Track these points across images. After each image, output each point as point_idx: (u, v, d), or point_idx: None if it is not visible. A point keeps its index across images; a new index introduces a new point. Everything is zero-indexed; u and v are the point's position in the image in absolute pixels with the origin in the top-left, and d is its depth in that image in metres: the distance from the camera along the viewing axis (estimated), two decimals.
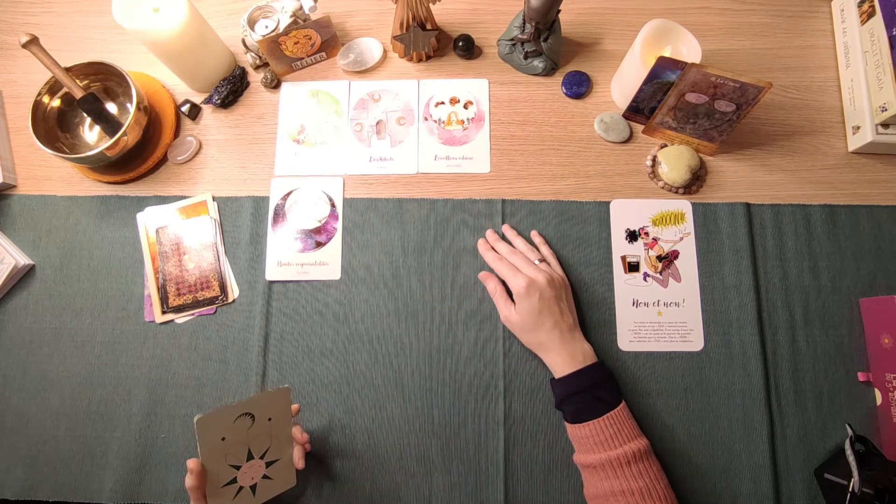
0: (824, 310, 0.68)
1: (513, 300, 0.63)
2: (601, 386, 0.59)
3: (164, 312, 0.69)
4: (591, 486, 0.57)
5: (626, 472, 0.54)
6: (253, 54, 0.77)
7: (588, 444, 0.57)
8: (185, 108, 0.76)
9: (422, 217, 0.72)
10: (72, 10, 0.82)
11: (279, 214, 0.73)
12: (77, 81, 0.69)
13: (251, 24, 0.76)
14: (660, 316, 0.68)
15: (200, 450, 0.51)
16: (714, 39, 0.78)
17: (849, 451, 0.60)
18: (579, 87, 0.76)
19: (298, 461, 0.57)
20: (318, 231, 0.72)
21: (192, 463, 0.51)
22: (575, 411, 0.58)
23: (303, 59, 0.77)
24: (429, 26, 0.74)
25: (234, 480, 0.54)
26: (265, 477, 0.56)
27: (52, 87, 0.71)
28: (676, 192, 0.72)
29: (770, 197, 0.72)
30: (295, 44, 0.74)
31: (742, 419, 0.65)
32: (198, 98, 0.77)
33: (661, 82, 0.67)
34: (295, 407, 0.60)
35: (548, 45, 0.73)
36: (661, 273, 0.69)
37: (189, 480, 0.51)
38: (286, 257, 0.71)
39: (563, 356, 0.60)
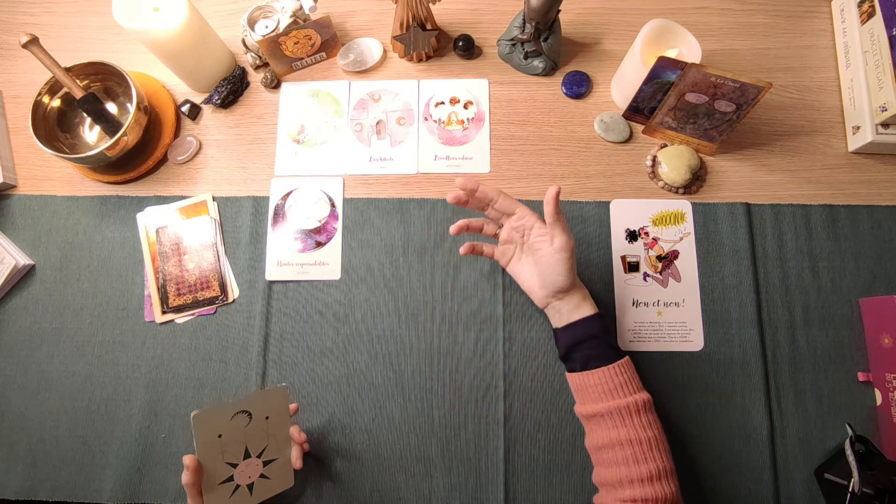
0: (824, 310, 0.68)
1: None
2: (611, 334, 0.57)
3: (164, 312, 0.69)
4: (597, 435, 0.55)
5: (636, 422, 0.53)
6: (253, 54, 0.77)
7: (596, 392, 0.55)
8: (185, 108, 0.76)
9: (422, 217, 0.72)
10: (72, 10, 0.82)
11: (279, 214, 0.73)
12: (77, 81, 0.69)
13: (251, 24, 0.76)
14: (660, 316, 0.68)
15: (196, 446, 0.51)
16: (714, 39, 0.78)
17: (849, 451, 0.60)
18: (579, 87, 0.76)
19: (296, 461, 0.57)
20: (318, 231, 0.72)
21: (188, 459, 0.51)
22: (586, 357, 0.56)
23: (303, 59, 0.77)
24: (429, 26, 0.74)
25: (231, 479, 0.54)
26: (263, 476, 0.56)
27: (52, 87, 0.71)
28: (676, 192, 0.72)
29: (770, 197, 0.72)
30: (295, 44, 0.74)
31: (742, 419, 0.65)
32: (198, 98, 0.78)
33: (661, 82, 0.67)
34: (293, 406, 0.60)
35: (548, 45, 0.73)
36: (661, 273, 0.69)
37: (185, 476, 0.51)
38: (286, 257, 0.71)
39: (589, 297, 0.58)
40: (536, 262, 0.59)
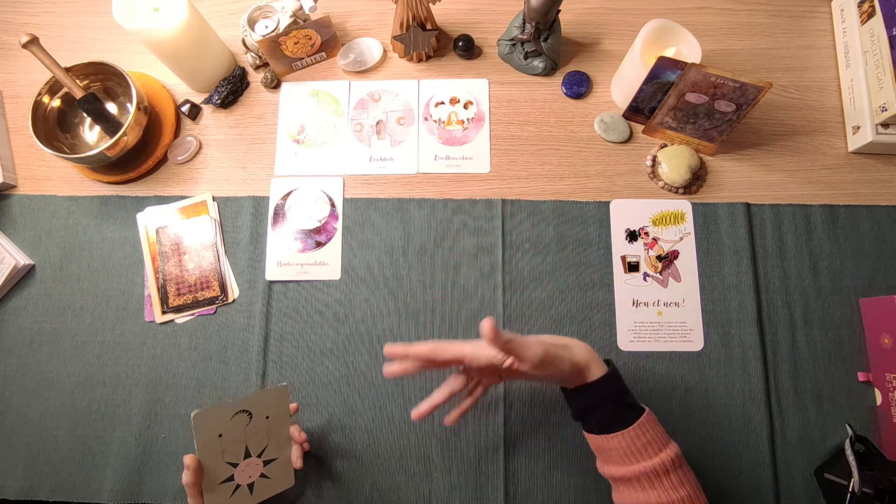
0: (824, 310, 0.68)
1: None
2: (626, 391, 0.52)
3: (164, 312, 0.69)
4: (625, 496, 0.51)
5: (666, 483, 0.49)
6: (253, 54, 0.77)
7: (618, 455, 0.50)
8: (185, 108, 0.76)
9: (422, 217, 0.72)
10: (72, 10, 0.82)
11: (279, 214, 0.73)
12: (77, 81, 0.69)
13: (251, 24, 0.76)
14: (660, 316, 0.68)
15: (197, 445, 0.51)
16: (714, 39, 0.78)
17: (849, 451, 0.60)
18: (579, 87, 0.76)
19: (297, 461, 0.57)
20: (318, 231, 0.72)
21: (188, 458, 0.51)
22: (602, 422, 0.51)
23: (303, 59, 0.77)
24: (429, 26, 0.74)
25: (232, 478, 0.54)
26: (263, 476, 0.56)
27: (52, 87, 0.71)
28: (676, 192, 0.72)
29: (770, 197, 0.72)
30: (295, 44, 0.74)
31: (742, 419, 0.65)
32: (198, 98, 0.78)
33: (661, 82, 0.67)
34: (293, 406, 0.60)
35: (548, 45, 0.73)
36: (661, 273, 0.69)
37: (185, 476, 0.51)
38: (286, 257, 0.71)
39: (594, 363, 0.52)
40: (527, 377, 0.53)
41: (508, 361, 0.49)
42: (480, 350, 0.49)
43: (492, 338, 0.46)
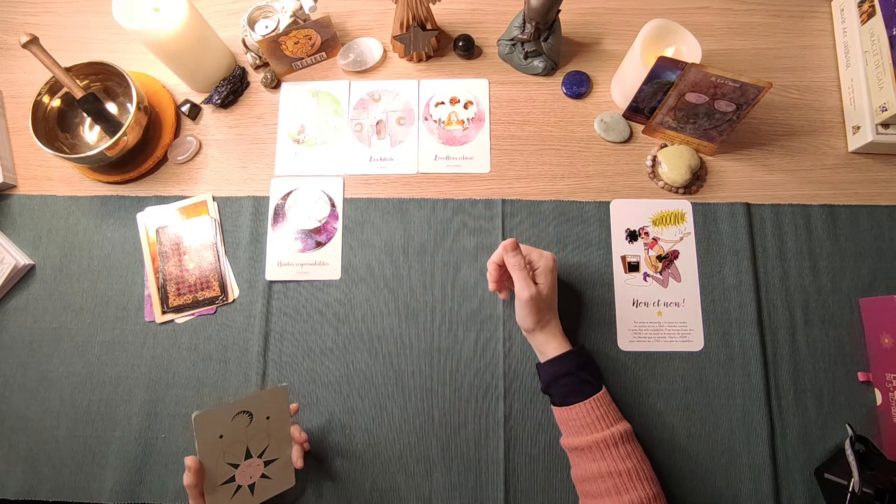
0: (824, 310, 0.68)
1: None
2: (586, 369, 0.60)
3: (164, 312, 0.69)
4: (580, 468, 0.58)
5: (615, 454, 0.55)
6: (253, 54, 0.77)
7: (575, 426, 0.57)
8: (185, 108, 0.76)
9: (422, 217, 0.72)
10: (72, 10, 0.82)
11: (279, 214, 0.73)
12: (77, 81, 0.69)
13: (251, 24, 0.76)
14: (660, 316, 0.68)
15: (198, 447, 0.51)
16: (714, 39, 0.78)
17: (849, 451, 0.60)
18: (579, 87, 0.76)
19: (297, 461, 0.57)
20: (318, 231, 0.72)
21: (189, 460, 0.51)
22: (563, 394, 0.59)
23: (303, 59, 0.77)
24: (429, 26, 0.74)
25: (233, 479, 0.54)
26: (264, 476, 0.56)
27: (52, 87, 0.71)
28: (676, 192, 0.72)
29: (770, 197, 0.72)
30: (295, 44, 0.74)
31: (742, 419, 0.65)
32: (198, 98, 0.78)
33: (661, 82, 0.67)
34: (293, 406, 0.60)
35: (548, 45, 0.73)
36: (661, 273, 0.69)
37: (187, 478, 0.51)
38: (286, 257, 0.71)
39: (559, 336, 0.61)
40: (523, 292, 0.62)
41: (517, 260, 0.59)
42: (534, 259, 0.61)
43: (505, 252, 0.59)
